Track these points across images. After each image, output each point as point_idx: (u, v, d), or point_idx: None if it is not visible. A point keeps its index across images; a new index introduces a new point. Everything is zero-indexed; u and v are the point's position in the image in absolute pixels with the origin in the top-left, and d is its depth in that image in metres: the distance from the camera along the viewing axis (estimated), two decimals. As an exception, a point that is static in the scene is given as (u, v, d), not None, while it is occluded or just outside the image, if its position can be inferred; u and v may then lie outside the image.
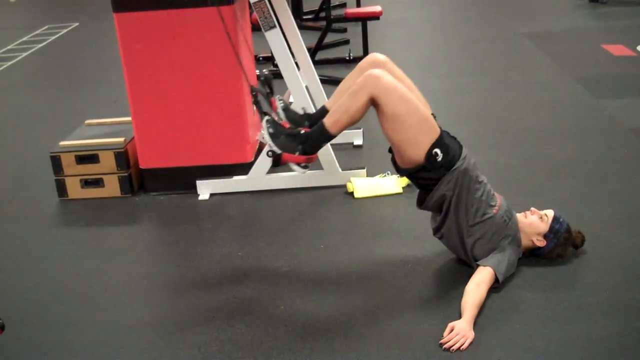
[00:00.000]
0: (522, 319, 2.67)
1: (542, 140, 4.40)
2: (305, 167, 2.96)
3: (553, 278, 2.91)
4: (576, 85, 5.39)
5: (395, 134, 2.86)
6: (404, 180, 3.84)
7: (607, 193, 3.62)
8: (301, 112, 3.13)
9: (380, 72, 2.83)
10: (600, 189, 3.68)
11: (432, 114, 2.97)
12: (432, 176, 2.89)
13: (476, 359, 2.48)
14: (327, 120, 2.89)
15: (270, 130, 2.87)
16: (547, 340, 2.53)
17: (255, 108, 3.08)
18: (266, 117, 2.90)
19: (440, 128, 2.93)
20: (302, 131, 2.92)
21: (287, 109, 3.09)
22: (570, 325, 2.61)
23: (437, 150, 2.84)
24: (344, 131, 4.24)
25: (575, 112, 4.87)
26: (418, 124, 2.83)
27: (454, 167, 2.87)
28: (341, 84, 3.15)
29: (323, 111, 3.08)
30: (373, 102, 2.83)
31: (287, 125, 3.00)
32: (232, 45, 3.01)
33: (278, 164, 2.93)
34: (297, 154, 2.88)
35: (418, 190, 3.07)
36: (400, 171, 3.00)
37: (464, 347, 2.51)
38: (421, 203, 3.02)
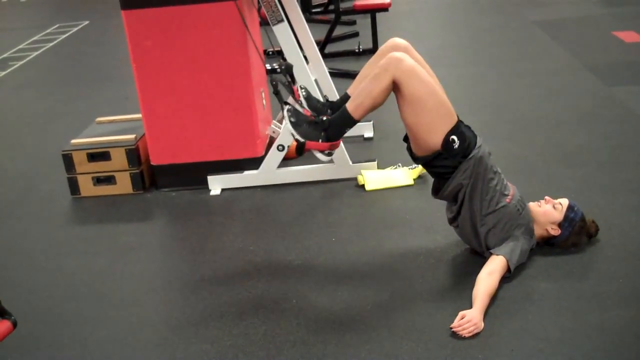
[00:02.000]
0: (536, 309, 2.66)
1: (554, 129, 4.38)
2: (329, 155, 2.94)
3: (566, 267, 2.90)
4: (587, 73, 5.35)
5: (414, 117, 2.85)
6: (415, 172, 3.83)
7: (620, 181, 3.60)
8: (323, 99, 3.13)
9: (402, 55, 2.83)
10: (612, 177, 3.66)
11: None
12: (449, 164, 2.88)
13: (490, 349, 2.47)
14: (350, 105, 2.88)
15: (292, 119, 2.85)
16: (561, 330, 2.52)
17: (281, 97, 3.05)
18: (287, 107, 2.88)
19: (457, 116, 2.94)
20: (324, 118, 2.91)
21: (309, 97, 3.07)
22: (584, 315, 2.59)
23: (454, 137, 2.83)
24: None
25: (587, 100, 4.83)
26: (437, 108, 2.83)
27: (470, 156, 2.87)
28: (362, 71, 3.14)
29: (345, 98, 3.07)
30: (395, 85, 2.82)
31: (309, 113, 2.99)
32: (252, 40, 2.98)
33: (302, 152, 2.88)
34: (320, 141, 2.86)
35: (432, 181, 3.06)
36: (417, 159, 2.99)
37: (468, 334, 2.52)
38: (436, 192, 3.02)
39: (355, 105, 2.87)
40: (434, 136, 2.85)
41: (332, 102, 3.15)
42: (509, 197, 2.94)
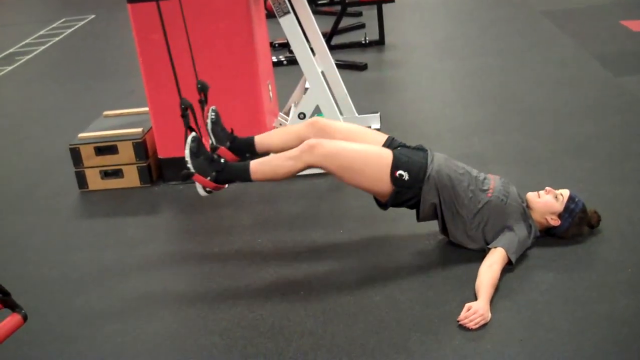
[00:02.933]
0: (544, 299, 2.65)
1: (561, 119, 4.36)
2: (209, 192, 2.96)
3: (574, 257, 2.89)
4: (595, 63, 5.33)
5: (352, 181, 2.94)
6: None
7: (628, 170, 3.59)
8: (229, 130, 3.19)
9: (315, 142, 2.90)
10: (620, 166, 3.64)
11: (389, 138, 3.05)
12: (411, 195, 2.92)
13: (499, 339, 2.47)
14: (254, 166, 2.93)
15: (193, 148, 2.85)
16: (570, 320, 2.52)
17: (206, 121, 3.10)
18: (192, 134, 2.87)
19: (396, 147, 2.99)
20: (223, 160, 2.93)
21: (215, 122, 3.12)
22: (593, 305, 2.59)
23: (400, 172, 2.88)
24: (362, 115, 4.25)
25: (595, 90, 4.81)
26: (366, 164, 2.90)
27: (427, 176, 2.89)
28: (279, 130, 3.26)
29: (249, 142, 3.16)
30: (312, 167, 2.91)
31: (208, 144, 3.02)
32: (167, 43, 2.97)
33: (185, 180, 2.90)
34: (208, 179, 2.88)
35: None
36: (384, 206, 3.02)
37: (476, 326, 2.51)
38: (419, 217, 3.04)
39: (259, 169, 2.93)
40: (381, 184, 2.91)
41: (235, 136, 3.19)
42: (489, 191, 2.94)
